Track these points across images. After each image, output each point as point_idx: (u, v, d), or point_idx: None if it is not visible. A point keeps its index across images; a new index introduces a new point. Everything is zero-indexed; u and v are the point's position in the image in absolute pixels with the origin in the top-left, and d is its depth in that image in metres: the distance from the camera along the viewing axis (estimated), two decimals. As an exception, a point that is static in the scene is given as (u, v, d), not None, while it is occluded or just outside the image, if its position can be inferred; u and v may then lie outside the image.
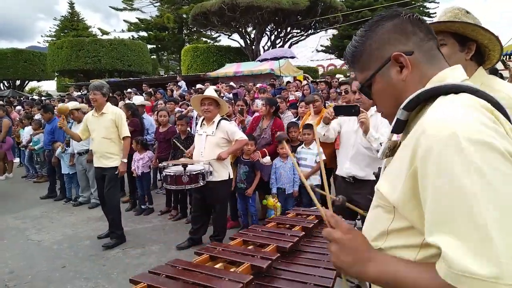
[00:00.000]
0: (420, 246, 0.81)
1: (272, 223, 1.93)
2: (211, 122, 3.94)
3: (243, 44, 23.13)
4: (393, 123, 0.90)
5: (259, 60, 14.89)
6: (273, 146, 4.73)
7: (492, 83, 1.51)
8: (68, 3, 37.44)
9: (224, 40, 42.56)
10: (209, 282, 1.36)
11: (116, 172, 4.32)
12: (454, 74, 0.88)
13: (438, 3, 30.60)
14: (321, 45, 31.42)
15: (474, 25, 1.43)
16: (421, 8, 29.60)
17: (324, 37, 31.09)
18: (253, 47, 22.53)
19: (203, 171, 3.76)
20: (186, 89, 12.75)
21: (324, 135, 3.19)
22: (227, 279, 1.38)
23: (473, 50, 1.47)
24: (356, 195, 3.02)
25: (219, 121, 3.93)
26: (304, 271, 1.51)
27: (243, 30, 22.49)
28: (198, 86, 11.48)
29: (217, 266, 1.52)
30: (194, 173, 3.70)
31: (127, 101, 6.88)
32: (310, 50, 32.73)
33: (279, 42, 23.09)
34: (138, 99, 6.69)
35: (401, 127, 0.89)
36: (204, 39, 34.66)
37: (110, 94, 5.79)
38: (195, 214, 4.25)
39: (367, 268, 0.84)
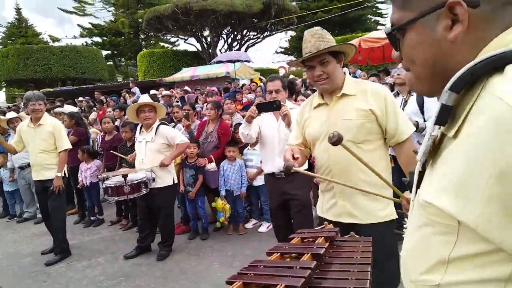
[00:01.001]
0: (507, 280, 0.56)
1: (275, 254, 1.64)
2: (150, 129, 3.93)
3: (200, 48, 23.07)
4: (436, 112, 0.65)
5: (214, 62, 14.91)
6: (221, 150, 4.78)
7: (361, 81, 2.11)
8: (15, 8, 35.41)
9: (183, 44, 42.02)
10: None
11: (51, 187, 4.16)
12: None
13: (389, 4, 32.10)
14: (280, 47, 31.95)
15: (352, 44, 1.98)
16: (373, 9, 30.90)
17: (284, 39, 31.68)
18: (210, 50, 22.53)
19: (144, 179, 3.75)
20: (141, 95, 12.51)
21: (247, 134, 3.27)
22: None
23: (343, 60, 2.01)
24: (288, 186, 3.23)
25: (158, 126, 3.93)
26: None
27: (199, 34, 22.44)
28: (152, 92, 11.31)
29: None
30: (135, 182, 3.67)
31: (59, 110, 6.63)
32: (272, 52, 33.30)
33: (236, 45, 23.24)
34: (69, 109, 6.49)
35: (447, 116, 0.64)
36: (162, 43, 34.11)
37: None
38: (141, 222, 4.20)
39: None
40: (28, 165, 5.47)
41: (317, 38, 1.92)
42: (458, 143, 0.61)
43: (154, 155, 3.89)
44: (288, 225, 3.49)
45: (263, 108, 3.08)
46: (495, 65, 0.57)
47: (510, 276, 0.55)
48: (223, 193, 4.59)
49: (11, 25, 35.68)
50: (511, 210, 0.51)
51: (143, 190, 3.73)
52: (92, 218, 5.53)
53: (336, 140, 1.32)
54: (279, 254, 1.64)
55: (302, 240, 1.82)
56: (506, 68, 0.55)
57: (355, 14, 25.65)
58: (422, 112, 3.35)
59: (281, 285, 1.25)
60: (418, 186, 0.74)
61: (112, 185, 3.65)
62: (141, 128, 4.05)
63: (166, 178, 3.97)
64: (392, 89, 4.50)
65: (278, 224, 3.58)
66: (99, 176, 4.39)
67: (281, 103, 3.01)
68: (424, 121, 3.33)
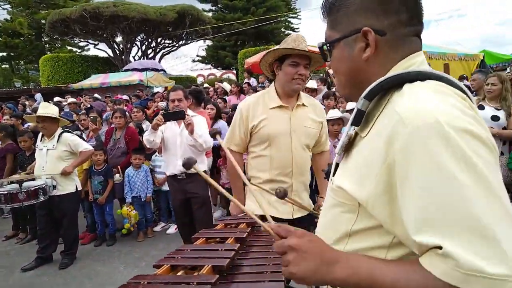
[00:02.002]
0: (388, 247, 0.74)
1: (201, 239, 1.68)
2: (52, 136, 3.90)
3: (111, 54, 22.06)
4: (352, 115, 0.81)
5: (127, 69, 14.52)
6: (128, 157, 4.85)
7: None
8: None
9: (94, 49, 39.59)
10: None
11: None
12: (417, 60, 0.80)
13: (300, 19, 34.54)
14: (197, 55, 31.98)
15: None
16: (286, 23, 32.83)
17: (202, 47, 31.71)
18: (123, 57, 21.72)
19: (43, 186, 3.70)
20: (42, 102, 11.64)
21: (153, 141, 3.50)
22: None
23: None
24: (189, 186, 3.56)
25: (60, 134, 3.92)
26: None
27: (111, 40, 21.49)
28: (56, 99, 10.66)
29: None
30: (32, 189, 3.61)
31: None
32: (191, 59, 33.07)
33: (151, 53, 22.81)
34: None
35: (361, 118, 0.79)
36: (69, 47, 31.61)
37: None
38: (41, 232, 4.08)
39: (334, 271, 0.72)
40: None
41: (306, 45, 2.10)
42: (365, 141, 0.77)
43: (56, 162, 3.86)
44: (191, 222, 3.78)
45: (169, 117, 3.35)
46: (396, 82, 0.74)
47: (390, 244, 0.74)
48: (128, 199, 4.66)
49: None
50: (389, 194, 0.68)
51: (40, 197, 3.67)
52: (-18, 235, 5.11)
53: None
54: (204, 239, 1.73)
55: (225, 226, 1.94)
56: (404, 85, 0.73)
57: (269, 27, 26.89)
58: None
59: (208, 265, 1.30)
60: (333, 175, 0.90)
61: (5, 192, 3.54)
62: (42, 135, 3.98)
63: (69, 185, 3.95)
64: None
65: (182, 222, 3.86)
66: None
67: (185, 113, 3.34)
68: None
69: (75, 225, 4.18)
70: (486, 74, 4.30)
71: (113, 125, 5.27)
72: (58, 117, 3.94)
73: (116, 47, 22.22)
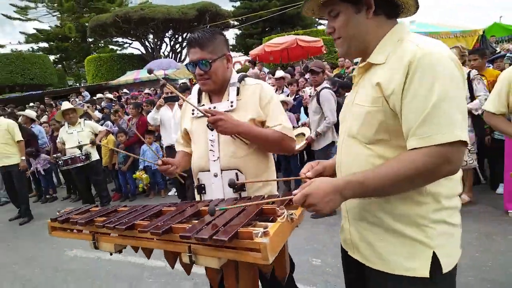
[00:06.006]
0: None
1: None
2: (78, 123, 5.90)
3: (144, 52, 24.52)
4: (235, 92, 1.76)
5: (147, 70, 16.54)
6: (135, 137, 6.52)
7: (412, 37, 1.16)
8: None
9: (130, 48, 42.33)
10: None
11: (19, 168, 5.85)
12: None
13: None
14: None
15: None
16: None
17: (232, 36, 32.99)
18: (154, 53, 24.08)
19: (87, 153, 5.76)
20: (89, 96, 14.00)
21: (156, 118, 5.39)
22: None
23: (373, 4, 1.17)
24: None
25: (83, 121, 5.99)
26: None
27: (143, 39, 23.84)
28: (99, 95, 12.85)
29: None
30: (83, 154, 5.68)
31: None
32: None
33: (178, 47, 24.87)
34: (29, 113, 8.07)
35: (237, 91, 1.77)
36: (111, 46, 34.61)
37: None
38: (81, 190, 6.10)
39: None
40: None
41: None
42: (244, 98, 1.78)
43: (85, 138, 5.75)
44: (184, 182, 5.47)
45: (167, 99, 5.22)
46: (243, 77, 1.86)
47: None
48: (141, 167, 6.49)
49: None
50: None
51: (87, 161, 5.71)
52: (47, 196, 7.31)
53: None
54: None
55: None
56: (245, 78, 1.86)
57: (295, 11, 25.82)
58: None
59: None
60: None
61: (67, 158, 5.64)
62: (68, 124, 5.94)
63: (96, 155, 5.96)
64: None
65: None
66: (53, 155, 6.45)
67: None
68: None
69: (105, 182, 6.23)
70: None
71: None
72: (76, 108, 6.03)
73: (148, 45, 24.57)
